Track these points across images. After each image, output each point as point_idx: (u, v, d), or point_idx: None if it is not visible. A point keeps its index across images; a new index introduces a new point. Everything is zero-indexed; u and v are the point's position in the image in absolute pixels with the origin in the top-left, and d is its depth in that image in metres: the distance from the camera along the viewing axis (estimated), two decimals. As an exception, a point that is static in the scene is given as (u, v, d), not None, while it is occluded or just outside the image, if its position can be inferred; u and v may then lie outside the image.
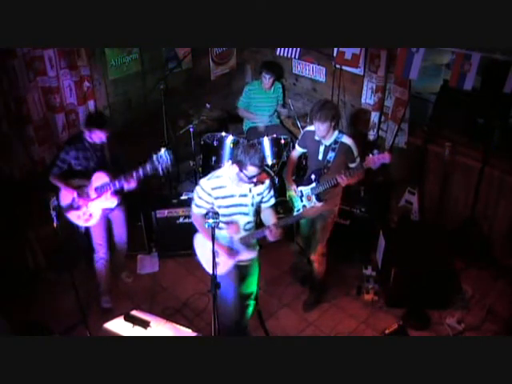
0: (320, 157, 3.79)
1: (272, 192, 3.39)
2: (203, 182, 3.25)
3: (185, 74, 5.53)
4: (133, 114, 5.20)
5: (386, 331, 3.93)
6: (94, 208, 3.89)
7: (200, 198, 3.25)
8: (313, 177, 3.83)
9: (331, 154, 3.73)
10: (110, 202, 3.91)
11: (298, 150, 4.05)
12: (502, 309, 4.16)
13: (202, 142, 5.22)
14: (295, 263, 4.67)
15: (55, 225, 3.31)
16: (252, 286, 3.68)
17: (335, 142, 3.72)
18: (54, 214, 3.33)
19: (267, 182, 3.33)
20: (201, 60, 5.66)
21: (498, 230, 4.54)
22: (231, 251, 3.34)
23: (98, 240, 4.07)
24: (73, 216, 3.92)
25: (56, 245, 4.32)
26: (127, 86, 5.09)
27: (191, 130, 5.09)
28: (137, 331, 3.12)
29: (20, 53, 4.06)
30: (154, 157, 3.57)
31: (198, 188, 3.26)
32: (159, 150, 3.58)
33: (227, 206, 3.23)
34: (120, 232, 4.30)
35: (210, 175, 3.29)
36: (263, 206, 3.41)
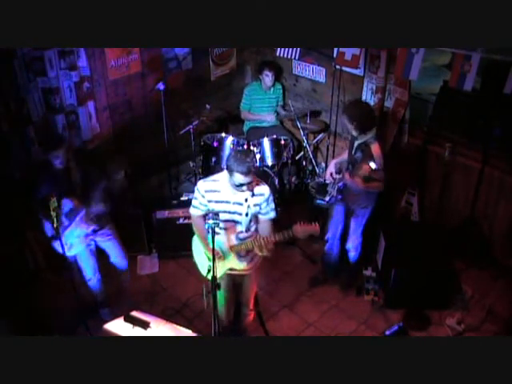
0: (353, 151, 3.88)
1: (272, 205, 3.25)
2: (200, 182, 3.25)
3: (185, 75, 5.53)
4: (133, 114, 5.20)
5: (386, 332, 3.94)
6: (69, 237, 3.68)
7: (196, 198, 3.25)
8: (344, 169, 3.89)
9: (359, 154, 3.78)
10: (82, 228, 3.70)
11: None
12: (502, 309, 4.16)
13: (202, 143, 5.23)
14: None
15: (55, 225, 3.31)
16: (246, 295, 3.61)
17: (365, 143, 3.74)
18: (53, 214, 3.32)
19: (267, 194, 3.20)
20: (201, 60, 5.65)
21: (498, 230, 4.54)
22: (221, 257, 3.27)
23: (85, 265, 3.89)
24: (57, 246, 3.62)
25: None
26: (127, 87, 5.09)
27: (191, 130, 5.09)
28: (137, 332, 3.11)
29: (20, 53, 4.06)
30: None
31: (195, 188, 3.27)
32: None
33: (220, 212, 3.15)
34: (113, 255, 4.04)
35: (208, 177, 3.27)
36: (261, 217, 3.28)
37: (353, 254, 4.31)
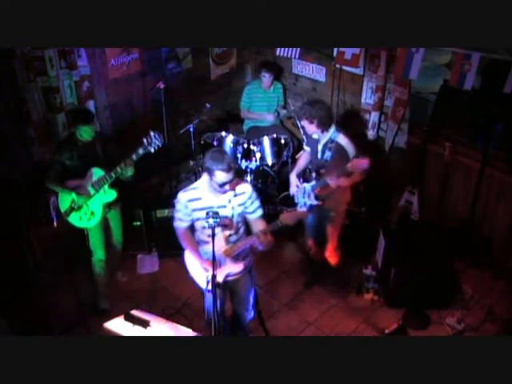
0: (319, 155, 3.82)
1: (257, 202, 3.19)
2: (180, 194, 3.17)
3: (185, 74, 5.53)
4: (133, 113, 5.20)
5: (386, 331, 3.95)
6: (94, 205, 3.88)
7: (178, 210, 3.18)
8: (313, 175, 3.86)
9: (328, 153, 3.75)
10: (109, 195, 3.89)
11: (306, 150, 4.08)
12: (502, 309, 4.16)
13: (202, 142, 5.23)
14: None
15: (55, 225, 3.32)
16: (244, 302, 3.57)
17: (331, 140, 3.74)
18: (53, 213, 3.34)
19: (249, 191, 3.15)
20: (201, 60, 5.65)
21: (498, 230, 4.54)
22: (218, 265, 3.16)
23: (96, 241, 4.04)
24: (74, 219, 3.89)
25: (56, 245, 4.33)
26: (127, 86, 5.08)
27: (191, 129, 5.10)
28: (137, 331, 3.12)
29: (20, 53, 4.06)
30: (145, 140, 3.65)
31: (176, 201, 3.19)
32: (148, 134, 3.65)
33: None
34: (116, 232, 4.28)
35: (187, 187, 3.20)
36: (250, 217, 3.22)
37: (332, 261, 4.32)
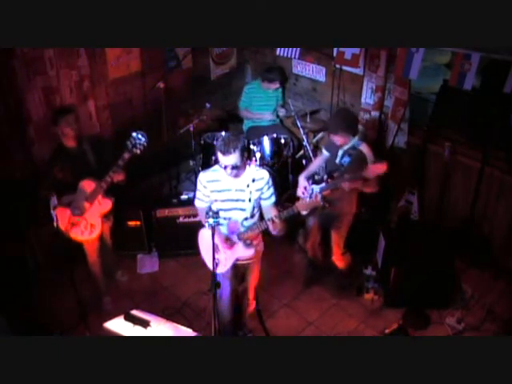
0: (337, 160, 3.87)
1: (272, 189, 3.29)
2: (201, 174, 3.29)
3: (185, 74, 5.52)
4: (133, 113, 5.20)
5: (386, 331, 3.95)
6: (92, 218, 3.86)
7: (199, 190, 3.30)
8: (325, 177, 3.87)
9: (346, 159, 3.80)
10: (104, 205, 3.88)
11: (324, 154, 4.09)
12: (502, 309, 4.16)
13: (202, 142, 5.23)
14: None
15: (55, 225, 3.32)
16: (250, 283, 3.66)
17: (353, 147, 3.79)
18: (54, 213, 3.33)
19: (266, 176, 3.24)
20: (201, 60, 5.66)
21: (498, 230, 4.54)
22: (229, 242, 3.31)
23: (93, 256, 4.08)
24: (76, 234, 3.87)
25: (56, 245, 4.32)
26: (127, 86, 5.08)
27: (191, 129, 5.09)
28: (137, 331, 3.12)
29: (20, 53, 4.06)
30: (128, 143, 3.63)
31: (197, 180, 3.31)
32: (131, 135, 3.63)
33: (223, 201, 3.22)
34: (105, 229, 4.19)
35: (209, 168, 3.31)
36: (263, 203, 3.31)
37: (339, 264, 4.32)
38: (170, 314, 4.10)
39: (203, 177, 3.26)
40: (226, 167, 3.06)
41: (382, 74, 4.79)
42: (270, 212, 3.30)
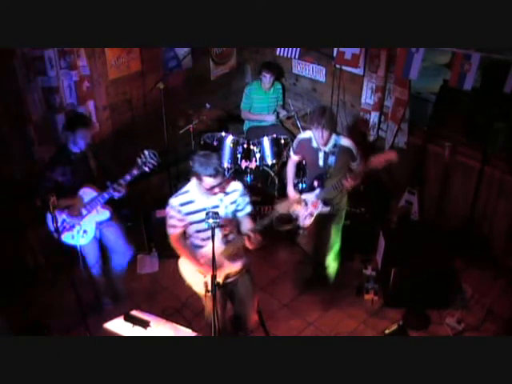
0: (321, 163, 3.78)
1: (247, 199, 3.21)
2: (171, 200, 3.16)
3: (185, 74, 5.52)
4: (133, 113, 5.20)
5: (386, 331, 3.95)
6: (87, 224, 3.84)
7: (171, 217, 3.17)
8: (315, 183, 3.83)
9: (332, 159, 3.74)
10: (102, 214, 3.87)
11: (294, 159, 4.04)
12: (502, 309, 4.16)
13: (202, 142, 5.23)
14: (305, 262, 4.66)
15: (55, 224, 3.31)
16: (245, 302, 3.48)
17: (334, 145, 3.72)
18: (50, 215, 3.32)
19: (240, 188, 3.17)
20: (201, 60, 5.66)
21: (498, 230, 4.54)
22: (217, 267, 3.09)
23: (92, 260, 4.02)
24: (67, 237, 3.82)
25: (56, 245, 4.32)
26: (127, 86, 5.08)
27: (191, 129, 5.09)
28: (137, 331, 3.12)
29: (20, 53, 4.06)
30: (139, 160, 3.64)
31: (168, 209, 3.18)
32: (142, 153, 3.65)
33: (200, 221, 3.04)
34: (117, 249, 4.13)
35: (178, 192, 3.20)
36: (239, 214, 3.21)
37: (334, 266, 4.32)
38: (169, 314, 4.10)
39: (175, 201, 3.13)
40: (212, 188, 2.98)
41: (382, 74, 4.80)
42: (245, 224, 3.21)
